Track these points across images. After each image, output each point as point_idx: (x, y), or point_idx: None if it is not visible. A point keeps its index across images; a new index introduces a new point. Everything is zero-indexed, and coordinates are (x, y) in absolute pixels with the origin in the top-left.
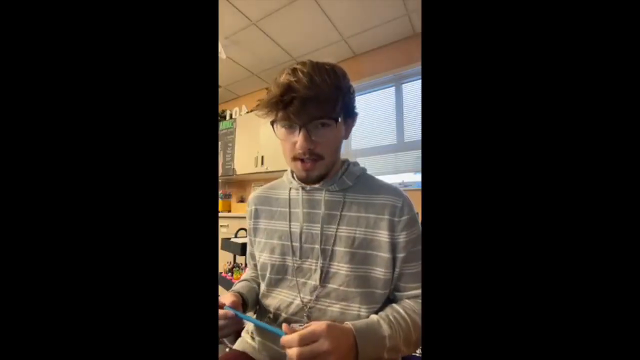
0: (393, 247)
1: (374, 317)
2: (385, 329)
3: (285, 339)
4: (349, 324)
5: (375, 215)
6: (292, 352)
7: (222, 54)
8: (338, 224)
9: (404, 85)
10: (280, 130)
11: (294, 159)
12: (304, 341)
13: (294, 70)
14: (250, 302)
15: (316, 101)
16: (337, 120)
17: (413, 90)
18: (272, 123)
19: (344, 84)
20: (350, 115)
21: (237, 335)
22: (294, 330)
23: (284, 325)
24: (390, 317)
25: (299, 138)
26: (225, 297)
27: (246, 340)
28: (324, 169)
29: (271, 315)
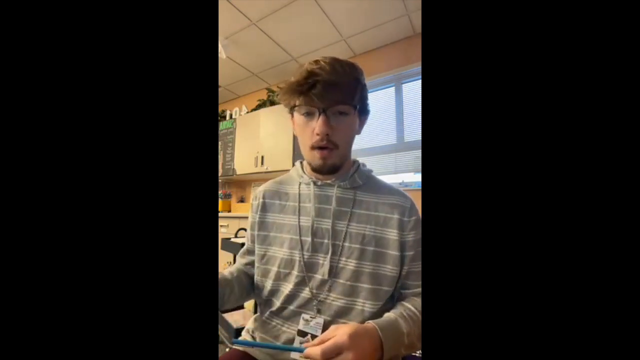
0: (402, 245)
1: (390, 315)
2: (404, 326)
3: (307, 352)
4: (371, 322)
5: (385, 214)
6: None
7: (222, 54)
8: (349, 221)
9: (404, 85)
10: (299, 118)
11: (312, 147)
12: (326, 355)
13: (316, 61)
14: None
15: (338, 86)
16: (355, 108)
17: (413, 90)
18: (292, 109)
19: (361, 79)
20: (364, 111)
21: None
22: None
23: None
24: (405, 315)
25: (318, 123)
26: None
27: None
28: (338, 159)
29: (278, 309)
